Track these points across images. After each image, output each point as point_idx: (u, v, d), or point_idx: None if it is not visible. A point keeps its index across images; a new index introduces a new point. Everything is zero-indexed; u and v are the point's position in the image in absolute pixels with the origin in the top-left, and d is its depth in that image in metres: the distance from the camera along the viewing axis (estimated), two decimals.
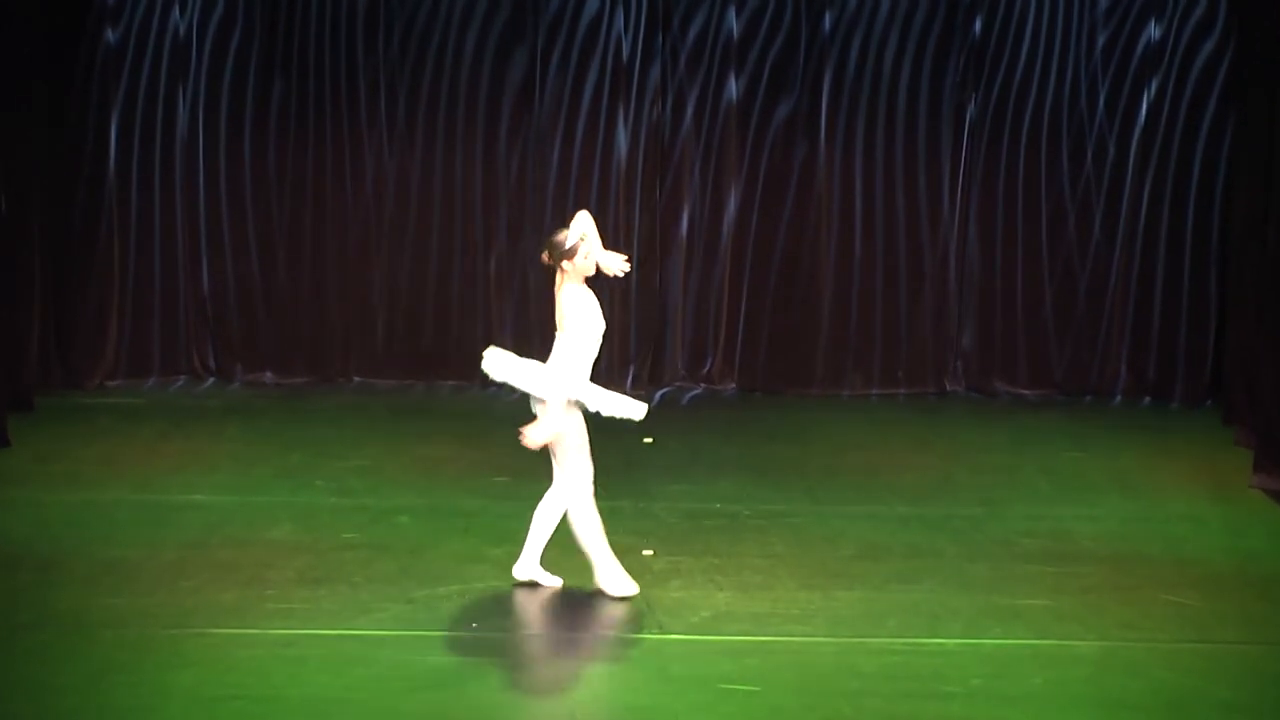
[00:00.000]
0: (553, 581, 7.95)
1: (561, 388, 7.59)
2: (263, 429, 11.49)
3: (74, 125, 12.65)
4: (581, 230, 7.66)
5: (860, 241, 13.20)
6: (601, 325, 7.69)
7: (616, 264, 7.79)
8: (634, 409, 7.71)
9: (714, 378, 13.31)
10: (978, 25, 13.07)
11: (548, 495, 7.96)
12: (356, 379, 13.16)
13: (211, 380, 13.07)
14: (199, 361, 13.16)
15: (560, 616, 7.71)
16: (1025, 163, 13.15)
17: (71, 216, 12.66)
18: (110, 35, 12.75)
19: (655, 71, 13.03)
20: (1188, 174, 13.10)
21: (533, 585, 7.97)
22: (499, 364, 7.84)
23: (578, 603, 7.82)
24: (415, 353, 13.19)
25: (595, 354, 7.71)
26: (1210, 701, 6.83)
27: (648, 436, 11.51)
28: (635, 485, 10.12)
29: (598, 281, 7.86)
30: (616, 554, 8.59)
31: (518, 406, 12.91)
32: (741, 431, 11.88)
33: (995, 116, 13.12)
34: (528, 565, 7.97)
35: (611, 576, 7.84)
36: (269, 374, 13.10)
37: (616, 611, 7.71)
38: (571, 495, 7.82)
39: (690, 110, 13.12)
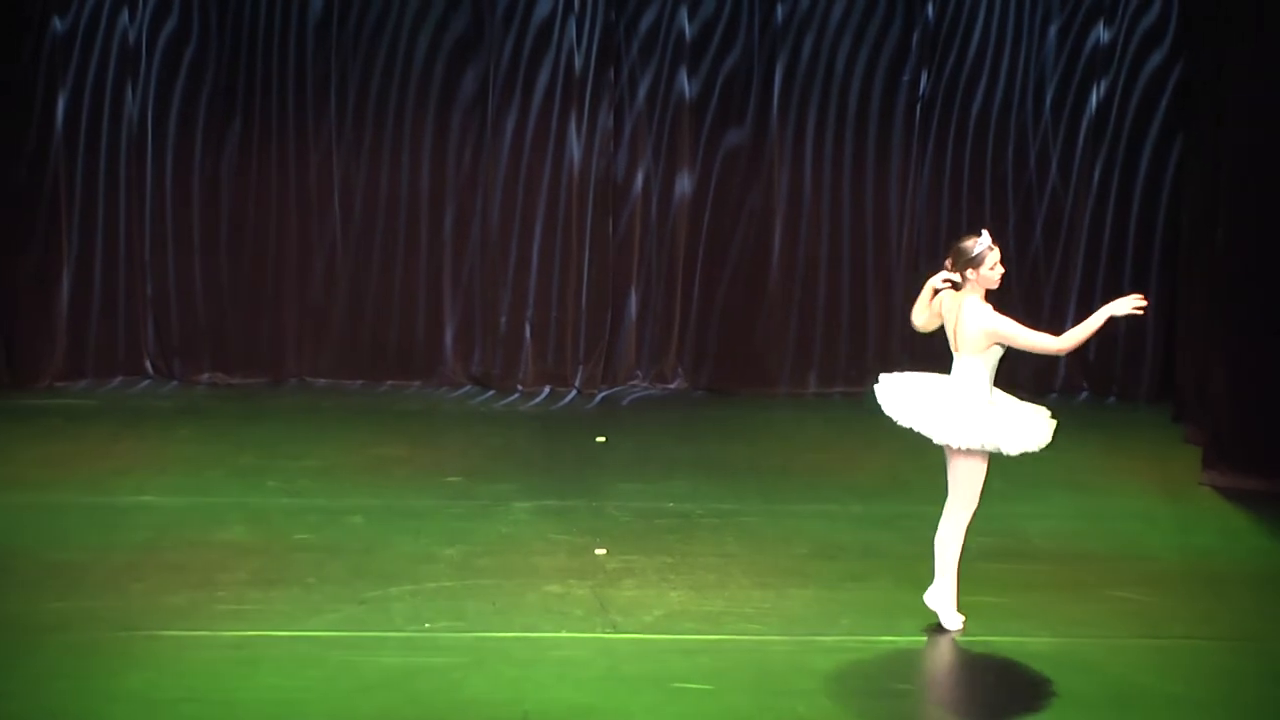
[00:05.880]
0: (954, 623, 7.47)
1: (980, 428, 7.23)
2: (214, 430, 11.43)
3: (18, 122, 12.51)
4: (989, 240, 7.35)
5: (809, 239, 13.22)
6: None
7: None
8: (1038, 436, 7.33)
9: (667, 377, 13.31)
10: (929, 12, 13.09)
11: (942, 522, 7.53)
12: (306, 379, 13.11)
13: (162, 381, 12.98)
14: (149, 362, 13.08)
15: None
16: (971, 159, 13.19)
17: (16, 216, 12.55)
18: (58, 24, 12.64)
19: (607, 69, 13.02)
20: (1133, 176, 13.17)
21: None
22: (896, 400, 7.50)
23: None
24: (365, 353, 13.14)
25: (994, 362, 7.33)
26: (1160, 697, 6.87)
27: (601, 435, 11.51)
28: (588, 484, 10.11)
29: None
30: (568, 553, 8.60)
31: (470, 406, 12.97)
32: (694, 431, 11.88)
33: (943, 111, 13.16)
34: (939, 596, 7.50)
35: (948, 605, 7.51)
36: (219, 374, 13.03)
37: (575, 609, 7.70)
38: (960, 518, 7.47)
39: (641, 107, 13.11)
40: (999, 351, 7.37)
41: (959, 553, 7.48)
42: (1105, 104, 13.14)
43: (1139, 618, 7.80)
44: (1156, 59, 13.04)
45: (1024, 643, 7.42)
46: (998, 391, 7.46)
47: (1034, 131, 13.19)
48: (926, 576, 8.31)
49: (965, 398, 7.35)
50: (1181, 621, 7.80)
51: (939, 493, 10.10)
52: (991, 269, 7.35)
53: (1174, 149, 13.00)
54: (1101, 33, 13.11)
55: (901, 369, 13.20)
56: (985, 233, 7.45)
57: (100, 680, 6.70)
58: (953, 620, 7.47)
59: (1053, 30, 13.12)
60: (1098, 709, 6.79)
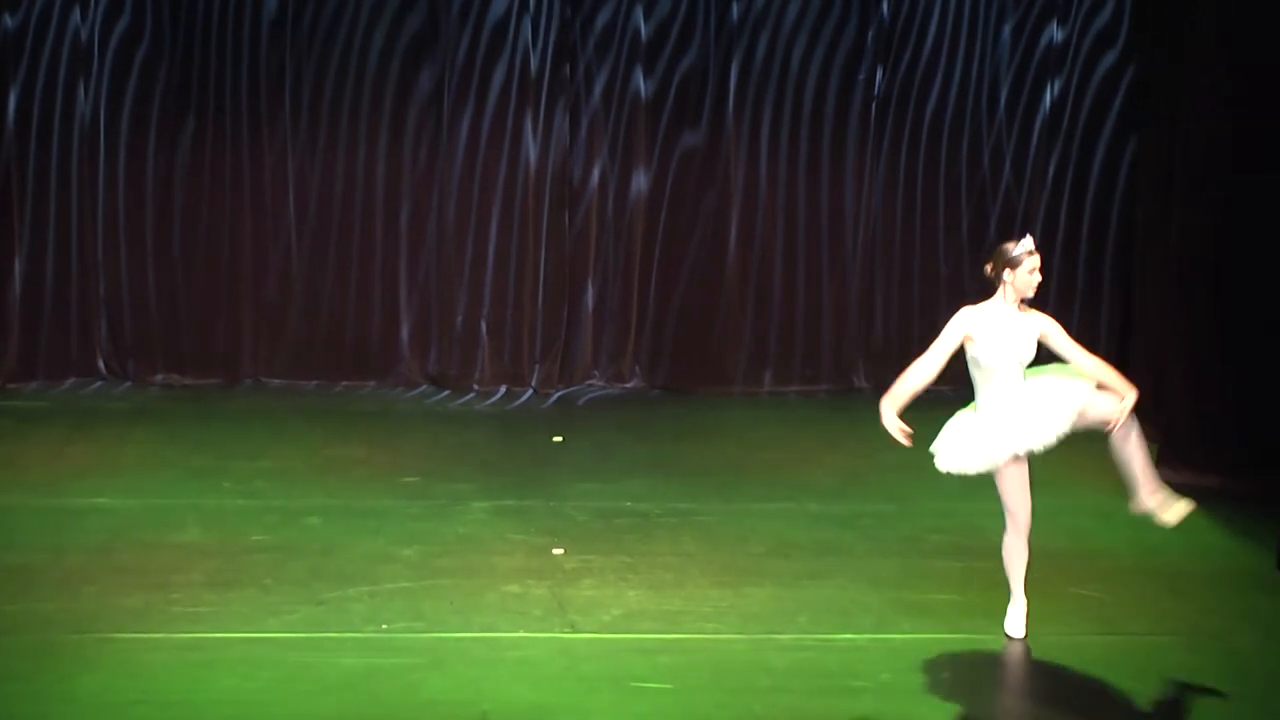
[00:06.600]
0: (1010, 628, 7.42)
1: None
2: (169, 431, 11.36)
3: None
4: (1031, 244, 7.18)
5: (765, 238, 13.25)
6: (996, 348, 7.12)
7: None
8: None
9: (623, 376, 13.30)
10: (884, 10, 13.12)
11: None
12: (262, 380, 13.03)
13: (115, 382, 12.89)
14: (102, 363, 12.99)
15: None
16: (926, 157, 13.23)
17: None
18: (8, 21, 12.53)
19: (563, 67, 13.00)
20: (1087, 175, 13.24)
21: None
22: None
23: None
24: (320, 353, 13.08)
25: (997, 377, 7.16)
26: (1120, 693, 6.90)
27: (558, 435, 11.49)
28: (546, 484, 10.10)
29: None
30: (526, 553, 8.58)
31: (426, 406, 12.91)
32: (651, 430, 11.88)
33: (899, 109, 13.20)
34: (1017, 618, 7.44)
35: (1011, 612, 7.45)
36: (174, 375, 12.94)
37: (533, 609, 7.68)
38: (1008, 531, 7.35)
39: (597, 105, 13.10)
40: (980, 360, 7.22)
41: (1018, 566, 7.38)
42: (1059, 103, 13.20)
43: (1097, 615, 7.83)
44: (1110, 59, 13.12)
45: (984, 640, 7.44)
46: (999, 397, 7.22)
47: (988, 130, 13.25)
48: (881, 573, 8.35)
49: (960, 414, 7.32)
50: (1140, 618, 7.84)
51: (894, 491, 10.16)
52: (1030, 273, 7.18)
53: (1128, 148, 13.07)
54: (1055, 32, 13.17)
55: (856, 368, 13.43)
56: (1029, 236, 7.33)
57: (53, 683, 6.64)
58: (1010, 625, 7.43)
59: (1007, 29, 13.18)
60: (1057, 706, 6.81)
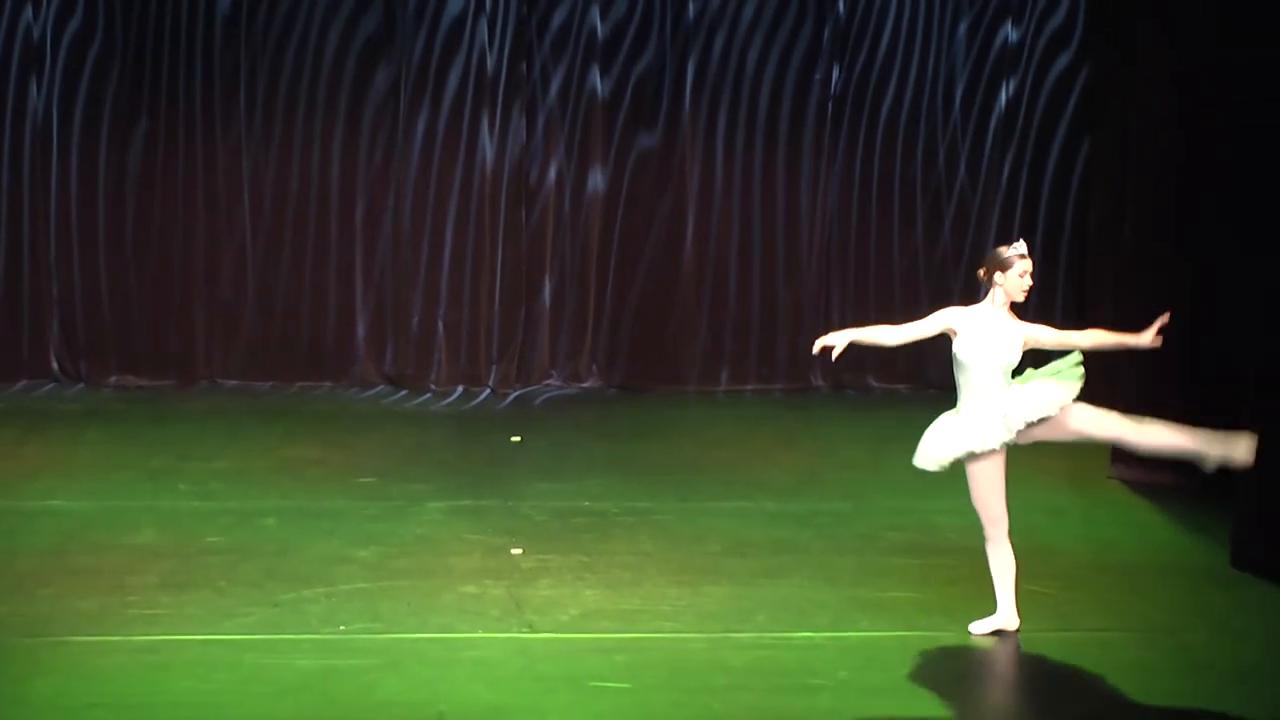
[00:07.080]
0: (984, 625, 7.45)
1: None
2: (123, 432, 11.30)
3: None
4: (1023, 248, 7.24)
5: (721, 237, 13.27)
6: (977, 347, 7.19)
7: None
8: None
9: (580, 375, 13.30)
10: (840, 8, 13.16)
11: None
12: (216, 380, 12.98)
13: (68, 383, 12.82)
14: (55, 364, 12.91)
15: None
16: (881, 157, 13.28)
17: None
18: None
19: (519, 65, 13.00)
20: (1041, 175, 13.32)
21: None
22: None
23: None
24: (275, 354, 13.04)
25: (977, 378, 7.20)
26: (1070, 688, 6.94)
27: (516, 435, 11.49)
28: (503, 484, 10.09)
29: None
30: (483, 553, 8.56)
31: (383, 407, 12.89)
32: (608, 429, 11.89)
33: (854, 109, 13.25)
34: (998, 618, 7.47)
35: (998, 611, 7.44)
36: (128, 376, 12.88)
37: (490, 609, 7.67)
38: (987, 537, 7.37)
39: (554, 104, 13.09)
40: (960, 358, 7.27)
41: (999, 571, 7.42)
42: (1014, 103, 13.27)
43: (1049, 610, 7.87)
44: (1064, 60, 13.21)
45: (941, 637, 7.47)
46: (980, 399, 7.26)
47: (943, 130, 13.30)
48: (838, 571, 8.37)
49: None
50: (1094, 614, 7.88)
51: (851, 489, 10.19)
52: (1021, 276, 7.26)
53: (1081, 150, 13.15)
54: (1010, 32, 13.24)
55: (812, 367, 13.47)
56: (1021, 241, 7.39)
57: (6, 687, 6.59)
58: (976, 623, 7.48)
59: (962, 27, 13.25)
60: (1012, 702, 6.84)
